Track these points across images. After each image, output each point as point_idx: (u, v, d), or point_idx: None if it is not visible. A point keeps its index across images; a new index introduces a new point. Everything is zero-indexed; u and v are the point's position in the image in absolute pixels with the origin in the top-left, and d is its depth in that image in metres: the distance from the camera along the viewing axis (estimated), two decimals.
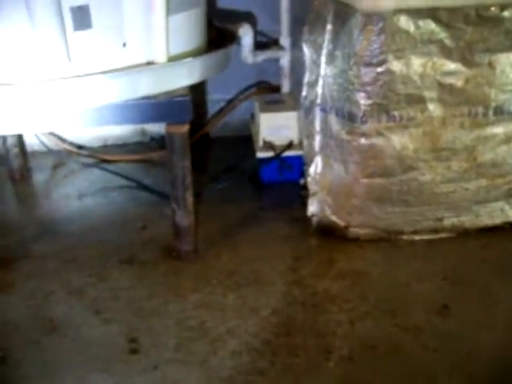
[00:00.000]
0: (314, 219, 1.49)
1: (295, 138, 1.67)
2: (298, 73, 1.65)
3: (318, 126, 1.44)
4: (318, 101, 1.42)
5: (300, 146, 1.65)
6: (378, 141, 1.34)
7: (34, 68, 1.12)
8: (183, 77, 1.25)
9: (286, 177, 1.68)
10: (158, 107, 1.25)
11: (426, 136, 1.34)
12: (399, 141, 1.34)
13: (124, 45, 1.17)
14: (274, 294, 1.30)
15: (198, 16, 1.34)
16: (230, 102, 1.89)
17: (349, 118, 1.34)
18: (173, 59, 1.24)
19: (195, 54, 1.32)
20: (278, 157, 1.65)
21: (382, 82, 1.28)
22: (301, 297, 1.30)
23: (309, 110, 1.48)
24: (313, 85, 1.44)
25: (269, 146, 1.66)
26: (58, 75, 1.13)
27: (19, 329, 1.22)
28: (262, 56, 1.70)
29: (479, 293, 1.31)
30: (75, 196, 1.72)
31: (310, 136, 1.48)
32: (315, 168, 1.46)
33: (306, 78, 1.48)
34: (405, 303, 1.27)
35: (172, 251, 1.43)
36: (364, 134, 1.33)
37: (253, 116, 1.83)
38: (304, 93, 1.49)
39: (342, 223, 1.45)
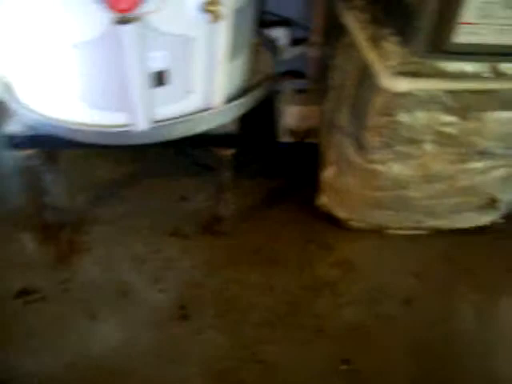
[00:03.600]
0: (322, 208, 1.88)
1: (314, 127, 1.98)
2: (323, 65, 1.92)
3: (334, 143, 1.77)
4: (338, 123, 1.73)
5: (317, 134, 1.98)
6: (381, 167, 1.66)
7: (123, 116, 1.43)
8: (234, 113, 1.55)
9: (303, 158, 2.01)
10: (209, 138, 1.56)
11: (419, 166, 1.67)
12: (397, 168, 1.66)
13: (191, 92, 1.46)
14: (286, 276, 1.72)
15: (249, 52, 1.60)
16: None
17: (359, 146, 1.65)
18: (227, 99, 1.53)
19: (245, 84, 1.61)
20: (298, 144, 1.98)
21: (391, 128, 1.58)
22: (306, 280, 1.72)
23: (329, 124, 1.79)
24: (335, 107, 1.74)
25: (291, 132, 1.98)
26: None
27: (100, 291, 1.63)
28: (294, 52, 1.94)
29: (440, 290, 1.73)
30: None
31: (327, 146, 1.81)
32: (328, 173, 1.82)
33: (331, 97, 1.78)
34: (381, 293, 1.70)
35: (210, 227, 1.82)
36: (370, 161, 1.65)
37: (277, 91, 2.08)
38: (327, 108, 1.79)
39: (343, 216, 1.85)
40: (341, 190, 1.80)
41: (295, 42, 1.98)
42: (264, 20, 1.94)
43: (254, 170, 2.03)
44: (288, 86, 2.03)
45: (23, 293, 1.62)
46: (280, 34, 1.87)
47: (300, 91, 2.01)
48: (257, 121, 2.04)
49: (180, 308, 1.62)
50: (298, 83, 2.04)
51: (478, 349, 1.61)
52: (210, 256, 1.76)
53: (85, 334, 1.54)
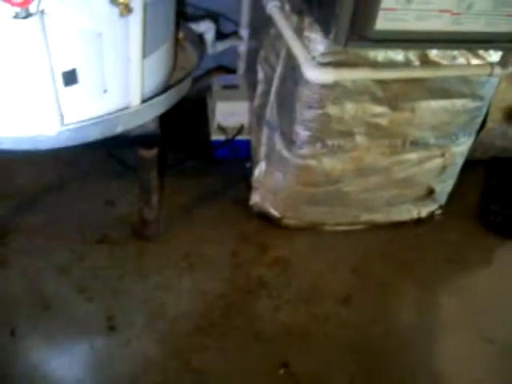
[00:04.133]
0: (255, 207, 1.82)
1: (245, 123, 1.92)
2: (252, 59, 1.85)
3: (264, 138, 1.70)
4: (267, 118, 1.67)
5: (249, 130, 1.91)
6: (312, 162, 1.61)
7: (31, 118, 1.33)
8: (153, 112, 1.47)
9: (235, 154, 1.96)
10: (130, 138, 1.48)
11: (351, 159, 1.63)
12: (329, 162, 1.62)
13: (105, 91, 1.38)
14: (219, 279, 1.65)
15: (169, 47, 1.51)
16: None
17: (289, 141, 1.60)
18: (146, 97, 1.44)
19: (166, 82, 1.52)
20: (229, 141, 1.91)
21: (320, 121, 1.53)
22: (240, 282, 1.65)
23: (259, 119, 1.72)
24: (264, 102, 1.68)
25: (222, 129, 1.91)
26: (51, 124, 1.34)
27: (20, 304, 1.53)
28: (221, 46, 1.87)
29: (378, 285, 1.69)
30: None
31: (258, 143, 1.74)
32: (259, 170, 1.75)
33: (259, 91, 1.71)
34: (318, 292, 1.65)
35: (138, 231, 1.72)
36: (301, 156, 1.61)
37: (210, 88, 2.03)
38: (256, 103, 1.73)
39: (277, 214, 1.79)
40: (273, 187, 1.74)
41: (224, 36, 1.92)
42: (190, 14, 1.88)
43: (187, 169, 1.95)
44: (218, 81, 1.96)
45: None
46: (206, 28, 1.79)
47: (230, 87, 1.94)
48: (191, 118, 1.99)
49: (107, 319, 1.52)
50: (228, 78, 1.97)
51: (418, 343, 1.57)
52: (138, 262, 1.67)
53: (4, 354, 1.44)
